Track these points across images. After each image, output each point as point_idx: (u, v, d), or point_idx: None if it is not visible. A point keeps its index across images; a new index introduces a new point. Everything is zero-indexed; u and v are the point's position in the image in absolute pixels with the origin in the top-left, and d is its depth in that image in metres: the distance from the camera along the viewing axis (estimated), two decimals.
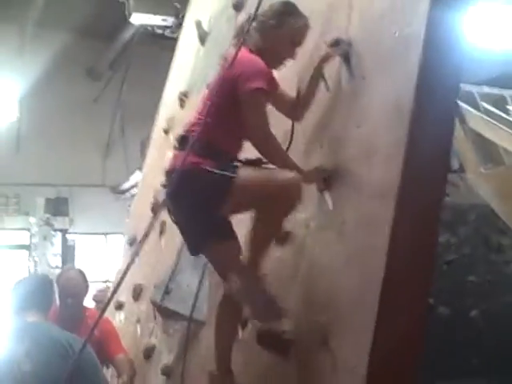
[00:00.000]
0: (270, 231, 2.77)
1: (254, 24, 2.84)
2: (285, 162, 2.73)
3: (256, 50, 2.81)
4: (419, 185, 2.49)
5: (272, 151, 2.74)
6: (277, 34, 2.85)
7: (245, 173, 2.70)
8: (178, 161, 2.70)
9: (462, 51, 2.64)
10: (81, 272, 4.14)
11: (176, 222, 2.87)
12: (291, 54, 2.91)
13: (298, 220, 2.90)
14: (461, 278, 5.37)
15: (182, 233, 2.91)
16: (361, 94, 2.78)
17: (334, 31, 3.04)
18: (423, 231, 2.50)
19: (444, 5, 2.54)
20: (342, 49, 2.86)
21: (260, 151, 2.74)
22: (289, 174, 2.66)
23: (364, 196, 2.58)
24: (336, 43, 2.88)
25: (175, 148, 2.85)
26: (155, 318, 4.07)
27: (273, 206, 2.66)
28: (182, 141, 2.80)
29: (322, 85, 3.02)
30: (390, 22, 2.67)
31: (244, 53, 2.78)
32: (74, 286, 3.97)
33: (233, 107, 2.70)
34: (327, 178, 2.79)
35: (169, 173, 2.80)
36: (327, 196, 2.75)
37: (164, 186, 2.88)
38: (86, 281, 4.07)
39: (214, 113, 2.73)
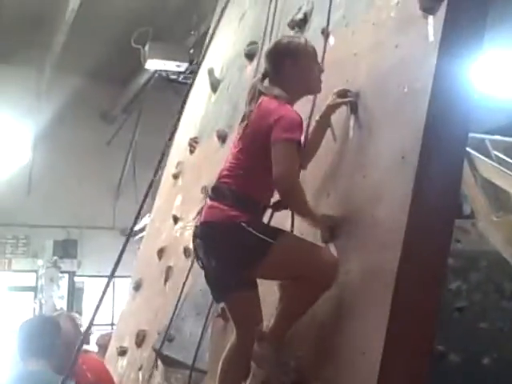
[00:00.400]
0: (297, 308, 2.70)
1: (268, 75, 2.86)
2: (307, 216, 2.73)
3: (283, 97, 2.77)
4: (425, 237, 2.47)
5: (296, 205, 2.72)
6: (297, 68, 2.82)
7: (285, 241, 2.66)
8: (215, 212, 2.70)
9: (469, 102, 2.64)
10: (71, 318, 4.02)
11: (203, 268, 2.84)
12: (318, 76, 2.90)
13: None
14: (472, 325, 5.28)
15: (208, 279, 2.87)
16: (367, 144, 2.78)
17: (342, 83, 3.07)
18: (428, 283, 2.47)
19: (452, 57, 2.57)
20: (349, 99, 2.88)
21: (284, 201, 2.73)
22: (328, 254, 2.65)
23: (369, 247, 2.56)
24: (344, 93, 2.90)
25: (209, 198, 2.82)
26: (156, 365, 4.01)
27: (305, 285, 2.62)
28: (216, 191, 2.77)
29: (329, 134, 3.04)
30: (399, 76, 2.69)
31: (272, 102, 2.74)
32: (63, 334, 3.83)
33: (265, 156, 2.65)
34: (333, 227, 2.78)
35: (204, 224, 2.76)
36: (332, 247, 2.72)
37: (195, 235, 2.82)
38: (76, 326, 3.94)
39: (246, 162, 2.74)
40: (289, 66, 2.81)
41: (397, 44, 2.77)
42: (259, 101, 2.79)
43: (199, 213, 2.97)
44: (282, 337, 2.71)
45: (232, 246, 2.65)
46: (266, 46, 3.39)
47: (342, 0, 3.40)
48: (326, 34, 3.32)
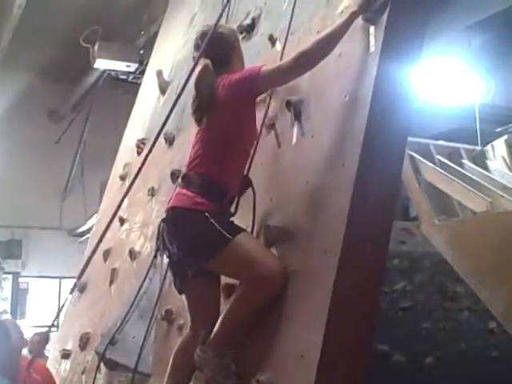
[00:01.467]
0: (240, 312, 2.73)
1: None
2: (335, 33, 2.67)
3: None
4: (363, 241, 2.53)
5: (319, 52, 2.71)
6: (239, 51, 3.07)
7: (242, 240, 2.70)
8: (182, 199, 2.80)
9: (409, 109, 2.72)
10: (15, 325, 3.97)
11: (168, 254, 2.93)
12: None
13: None
14: (416, 325, 5.41)
15: (172, 267, 2.99)
16: (310, 150, 2.84)
17: (287, 89, 3.12)
18: (367, 287, 2.53)
19: (392, 66, 2.64)
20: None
21: (315, 63, 2.73)
22: (277, 262, 2.68)
23: (309, 251, 2.61)
24: (287, 104, 2.96)
25: (180, 186, 2.91)
26: (99, 368, 3.98)
27: (250, 289, 2.67)
28: (186, 178, 2.86)
29: (273, 140, 3.08)
30: (341, 84, 2.75)
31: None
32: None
33: (235, 128, 2.82)
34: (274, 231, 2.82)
35: (170, 209, 2.84)
36: (273, 251, 2.77)
37: (163, 221, 2.89)
38: (19, 332, 3.87)
39: (216, 145, 2.84)
40: (236, 53, 3.03)
41: (340, 53, 2.82)
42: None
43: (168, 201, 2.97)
44: (226, 342, 2.72)
45: (192, 234, 2.75)
46: None
47: (288, 8, 3.45)
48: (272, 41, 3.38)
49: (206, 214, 2.71)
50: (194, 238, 2.75)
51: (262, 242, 2.85)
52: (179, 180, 2.96)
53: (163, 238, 2.88)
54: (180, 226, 2.81)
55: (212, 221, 2.69)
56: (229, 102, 2.82)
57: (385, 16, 2.62)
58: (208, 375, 2.66)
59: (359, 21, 2.71)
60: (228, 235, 2.67)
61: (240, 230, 2.77)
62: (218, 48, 3.00)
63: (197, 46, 3.11)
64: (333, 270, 2.41)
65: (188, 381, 2.88)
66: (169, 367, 2.93)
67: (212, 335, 2.73)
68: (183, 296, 2.99)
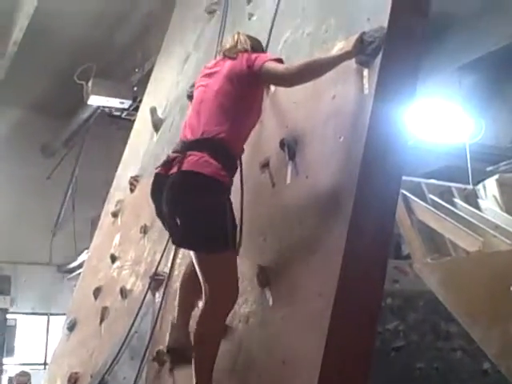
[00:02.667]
0: (202, 352, 2.75)
1: None
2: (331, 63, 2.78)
3: None
4: (358, 283, 2.52)
5: (305, 72, 2.80)
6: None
7: (232, 258, 2.73)
8: (204, 164, 2.71)
9: (403, 150, 2.76)
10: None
11: (159, 214, 2.91)
12: None
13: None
14: (409, 365, 5.36)
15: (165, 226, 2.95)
16: (304, 191, 2.84)
17: (282, 129, 3.14)
18: (362, 329, 2.52)
19: (386, 108, 2.68)
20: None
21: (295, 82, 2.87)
22: (237, 288, 2.72)
23: (303, 293, 2.59)
24: (281, 144, 2.98)
25: (189, 148, 2.80)
26: None
27: (208, 306, 2.70)
28: (198, 142, 2.79)
29: (267, 179, 3.09)
30: (335, 125, 2.78)
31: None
32: None
33: (240, 99, 2.86)
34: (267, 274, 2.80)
35: (183, 173, 2.74)
36: (268, 292, 2.74)
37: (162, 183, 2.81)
38: None
39: (218, 113, 2.84)
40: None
41: (334, 95, 2.86)
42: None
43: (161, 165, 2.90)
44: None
45: (203, 217, 2.67)
46: None
47: (283, 48, 3.50)
48: None
49: (227, 198, 2.72)
50: (206, 217, 2.68)
51: (255, 283, 2.84)
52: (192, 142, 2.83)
53: (160, 198, 2.80)
54: (197, 197, 2.68)
55: (227, 215, 2.68)
56: (239, 75, 2.91)
57: (378, 59, 2.66)
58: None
59: (353, 64, 2.75)
60: (230, 245, 2.69)
61: (238, 243, 2.77)
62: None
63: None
64: (328, 313, 2.39)
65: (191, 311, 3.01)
66: (177, 297, 3.06)
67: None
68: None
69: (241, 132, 2.92)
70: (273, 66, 2.86)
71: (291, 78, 2.84)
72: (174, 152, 2.87)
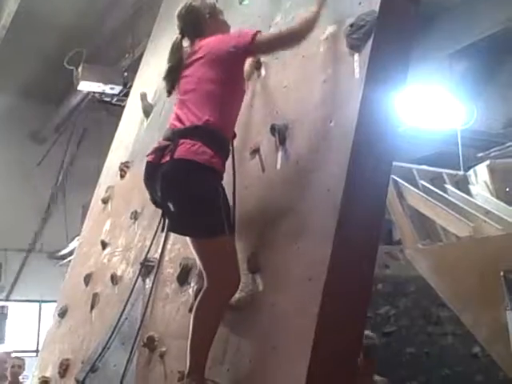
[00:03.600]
0: (201, 329, 2.71)
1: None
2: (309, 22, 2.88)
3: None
4: (349, 268, 2.52)
5: (308, 27, 2.88)
6: (216, 23, 3.15)
7: (230, 242, 2.74)
8: (196, 151, 2.70)
9: (393, 135, 2.76)
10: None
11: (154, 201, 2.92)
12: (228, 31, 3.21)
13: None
14: (399, 350, 5.40)
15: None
16: (295, 176, 2.83)
17: (272, 114, 3.12)
18: (353, 314, 2.52)
19: (377, 93, 2.66)
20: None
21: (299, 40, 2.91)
22: (239, 273, 2.72)
23: (294, 279, 2.58)
24: (272, 129, 2.96)
25: (181, 135, 2.78)
26: None
27: (209, 291, 2.69)
28: (191, 130, 2.78)
29: (258, 165, 3.07)
30: (326, 110, 2.76)
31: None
32: None
33: (228, 82, 2.86)
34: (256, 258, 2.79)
35: (177, 161, 2.72)
36: (258, 278, 2.74)
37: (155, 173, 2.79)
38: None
39: (204, 101, 2.83)
40: (210, 23, 3.10)
41: (325, 79, 2.84)
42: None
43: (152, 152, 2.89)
44: (202, 370, 2.67)
45: (198, 199, 2.68)
46: None
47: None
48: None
49: (220, 184, 2.74)
50: (200, 203, 2.69)
51: (246, 268, 2.83)
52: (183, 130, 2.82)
53: (153, 185, 2.81)
54: (191, 181, 2.69)
55: (222, 200, 2.70)
56: (229, 58, 2.88)
57: (369, 43, 2.64)
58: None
59: (344, 48, 2.73)
60: (226, 229, 2.69)
61: (233, 227, 2.80)
62: (188, 21, 3.13)
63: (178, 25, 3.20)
64: (318, 298, 2.39)
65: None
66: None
67: (187, 368, 2.67)
68: None
69: (229, 116, 2.92)
70: (269, 35, 3.00)
71: (299, 36, 2.90)
72: (164, 139, 2.86)
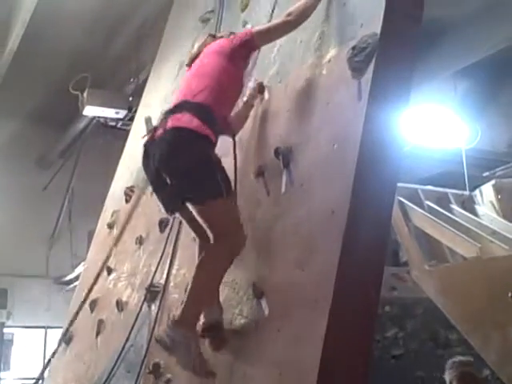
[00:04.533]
0: (204, 281, 2.79)
1: None
2: (311, 4, 3.09)
3: None
4: (354, 290, 2.49)
5: (302, 15, 3.08)
6: None
7: (230, 202, 2.85)
8: (189, 120, 2.84)
9: (397, 157, 2.73)
10: None
11: (152, 181, 3.03)
12: None
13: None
14: (409, 373, 5.33)
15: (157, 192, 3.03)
16: (299, 199, 2.82)
17: (275, 137, 3.12)
18: (359, 337, 2.49)
19: (380, 115, 2.65)
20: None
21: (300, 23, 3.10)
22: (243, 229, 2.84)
23: (299, 302, 2.56)
24: (276, 152, 2.96)
25: (173, 111, 2.94)
26: None
27: (217, 247, 2.77)
28: (181, 105, 2.95)
29: (263, 188, 3.07)
30: (329, 133, 2.76)
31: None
32: None
33: (226, 72, 3.06)
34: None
35: (170, 131, 2.85)
36: (263, 303, 2.71)
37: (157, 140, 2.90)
38: None
39: (198, 81, 3.03)
40: None
41: (328, 101, 2.84)
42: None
43: (150, 131, 3.04)
44: (193, 322, 2.74)
45: (194, 162, 2.79)
46: None
47: (276, 56, 3.49)
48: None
49: (211, 150, 2.85)
50: (193, 172, 2.79)
51: (251, 293, 2.81)
52: (173, 107, 2.98)
53: (149, 163, 2.92)
54: (183, 149, 2.80)
55: (215, 164, 2.81)
56: (233, 51, 3.11)
57: (371, 65, 2.64)
58: (176, 358, 2.73)
59: (347, 70, 2.73)
60: (224, 192, 2.78)
61: (230, 189, 2.89)
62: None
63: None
64: (324, 322, 2.36)
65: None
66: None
67: (179, 315, 2.72)
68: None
69: (222, 100, 3.04)
70: (263, 27, 3.25)
71: (296, 21, 3.08)
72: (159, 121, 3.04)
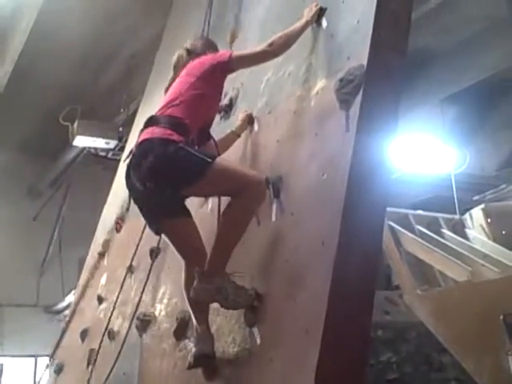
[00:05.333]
0: (233, 229, 2.90)
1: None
2: (292, 36, 3.18)
3: None
4: (346, 320, 2.51)
5: (285, 42, 3.16)
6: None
7: (220, 161, 2.94)
8: (153, 132, 2.97)
9: (386, 186, 2.75)
10: None
11: (139, 199, 3.10)
12: None
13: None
14: None
15: (145, 211, 3.14)
16: (289, 229, 2.84)
17: (266, 167, 3.16)
18: (351, 367, 2.49)
19: (368, 145, 2.69)
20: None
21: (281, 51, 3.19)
22: (254, 172, 2.99)
23: (290, 331, 2.57)
24: (266, 182, 3.00)
25: (145, 127, 3.07)
26: None
27: (240, 201, 2.85)
28: (152, 119, 3.08)
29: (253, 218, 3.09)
30: (318, 163, 2.80)
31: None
32: None
33: (203, 86, 3.16)
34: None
35: (142, 142, 2.97)
36: (256, 331, 2.72)
37: (131, 157, 3.02)
38: None
39: (183, 95, 3.13)
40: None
41: (316, 132, 2.89)
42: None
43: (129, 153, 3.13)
44: (222, 269, 2.82)
45: (171, 161, 2.88)
46: None
47: (265, 87, 3.54)
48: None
49: (180, 144, 2.90)
50: (174, 164, 2.88)
51: (243, 322, 2.82)
52: (144, 125, 3.11)
53: (130, 177, 3.00)
54: (156, 155, 2.87)
55: (188, 148, 2.89)
56: (206, 71, 3.19)
57: (359, 97, 2.69)
58: (220, 303, 2.80)
59: (335, 102, 2.78)
60: (208, 159, 2.86)
61: (214, 155, 2.97)
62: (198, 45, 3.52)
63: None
64: (316, 351, 2.37)
65: (207, 308, 3.05)
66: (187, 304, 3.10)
67: (207, 264, 2.83)
68: (163, 237, 3.22)
69: (192, 107, 3.12)
70: (243, 52, 3.33)
71: (275, 50, 3.16)
72: None
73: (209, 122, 3.35)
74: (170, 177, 2.91)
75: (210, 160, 2.86)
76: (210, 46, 3.52)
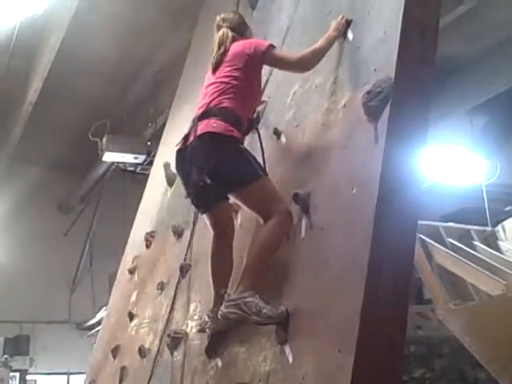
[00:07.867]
0: (266, 248, 3.01)
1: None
2: (321, 51, 3.19)
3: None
4: (378, 338, 2.46)
5: (314, 58, 3.19)
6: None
7: (269, 181, 3.13)
8: (216, 125, 3.11)
9: (416, 200, 2.70)
10: None
11: (186, 184, 3.28)
12: None
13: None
14: None
15: (191, 195, 3.29)
16: (319, 244, 2.81)
17: (293, 182, 3.13)
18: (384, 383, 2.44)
19: (397, 157, 2.65)
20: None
21: (311, 67, 3.23)
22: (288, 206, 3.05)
23: (324, 349, 2.53)
24: (294, 197, 2.98)
25: (199, 119, 3.20)
26: None
27: (279, 219, 2.99)
28: (209, 111, 3.20)
29: None
30: (347, 177, 2.76)
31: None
32: None
33: (245, 78, 3.27)
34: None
35: (200, 136, 3.12)
36: (287, 349, 2.68)
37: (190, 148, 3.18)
38: None
39: (232, 84, 3.24)
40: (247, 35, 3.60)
41: (344, 145, 2.85)
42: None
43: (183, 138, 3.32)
44: (252, 286, 2.90)
45: (228, 160, 3.07)
46: None
47: (292, 100, 3.53)
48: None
49: (241, 145, 3.13)
50: (230, 164, 3.07)
51: (274, 339, 2.78)
52: (200, 114, 3.23)
53: (185, 163, 3.20)
54: (216, 149, 3.06)
55: (247, 154, 3.11)
56: (249, 61, 3.30)
57: (387, 109, 2.65)
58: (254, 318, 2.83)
59: (362, 115, 2.75)
60: (260, 172, 3.07)
61: (265, 170, 3.15)
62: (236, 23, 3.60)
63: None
64: (349, 369, 2.32)
65: (228, 278, 3.21)
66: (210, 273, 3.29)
67: (238, 285, 2.94)
68: (205, 216, 3.35)
69: (244, 101, 3.27)
70: (282, 54, 3.38)
71: (305, 66, 3.24)
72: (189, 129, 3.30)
73: (253, 112, 3.53)
74: (226, 178, 3.08)
75: (261, 174, 3.06)
76: (246, 25, 3.63)
